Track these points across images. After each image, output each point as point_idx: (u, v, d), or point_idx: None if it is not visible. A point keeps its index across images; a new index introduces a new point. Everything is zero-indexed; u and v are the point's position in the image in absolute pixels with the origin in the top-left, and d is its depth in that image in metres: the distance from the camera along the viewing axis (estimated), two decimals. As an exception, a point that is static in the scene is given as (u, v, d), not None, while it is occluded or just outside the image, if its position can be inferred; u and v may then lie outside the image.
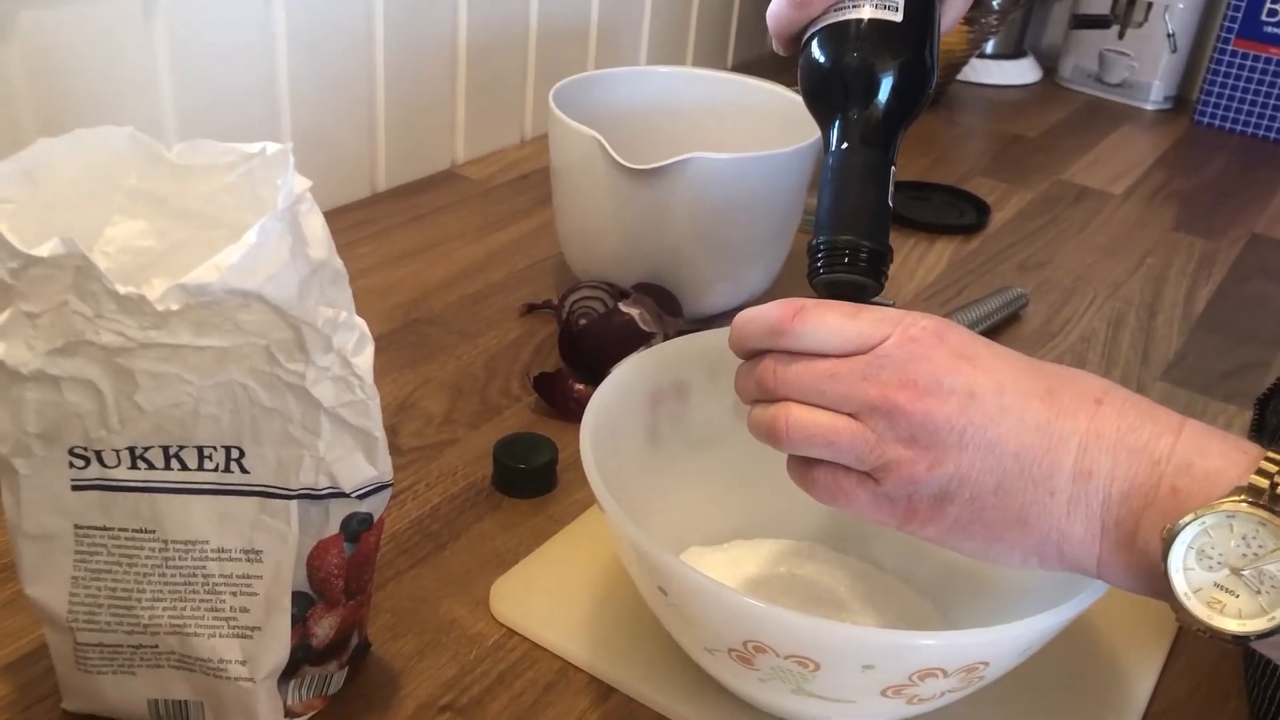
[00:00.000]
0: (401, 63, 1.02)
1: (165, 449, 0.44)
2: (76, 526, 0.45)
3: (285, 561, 0.46)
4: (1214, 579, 0.40)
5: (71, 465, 0.44)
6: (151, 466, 0.44)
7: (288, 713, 0.49)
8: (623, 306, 0.76)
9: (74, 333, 0.41)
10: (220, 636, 0.47)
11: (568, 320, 0.79)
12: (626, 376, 0.58)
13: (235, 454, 0.45)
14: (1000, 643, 0.46)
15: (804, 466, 0.47)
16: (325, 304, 0.43)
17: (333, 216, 0.46)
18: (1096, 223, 1.13)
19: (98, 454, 0.44)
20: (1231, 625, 0.40)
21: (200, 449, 0.44)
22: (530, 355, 0.81)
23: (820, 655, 0.45)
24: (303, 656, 0.48)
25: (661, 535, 0.59)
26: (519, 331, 0.83)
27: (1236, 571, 0.40)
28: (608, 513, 0.49)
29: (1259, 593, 0.40)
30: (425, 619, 0.57)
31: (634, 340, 0.74)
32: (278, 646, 0.47)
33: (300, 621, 0.47)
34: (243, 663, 0.47)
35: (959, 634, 0.45)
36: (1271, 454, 0.40)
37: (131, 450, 0.44)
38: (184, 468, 0.45)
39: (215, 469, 0.45)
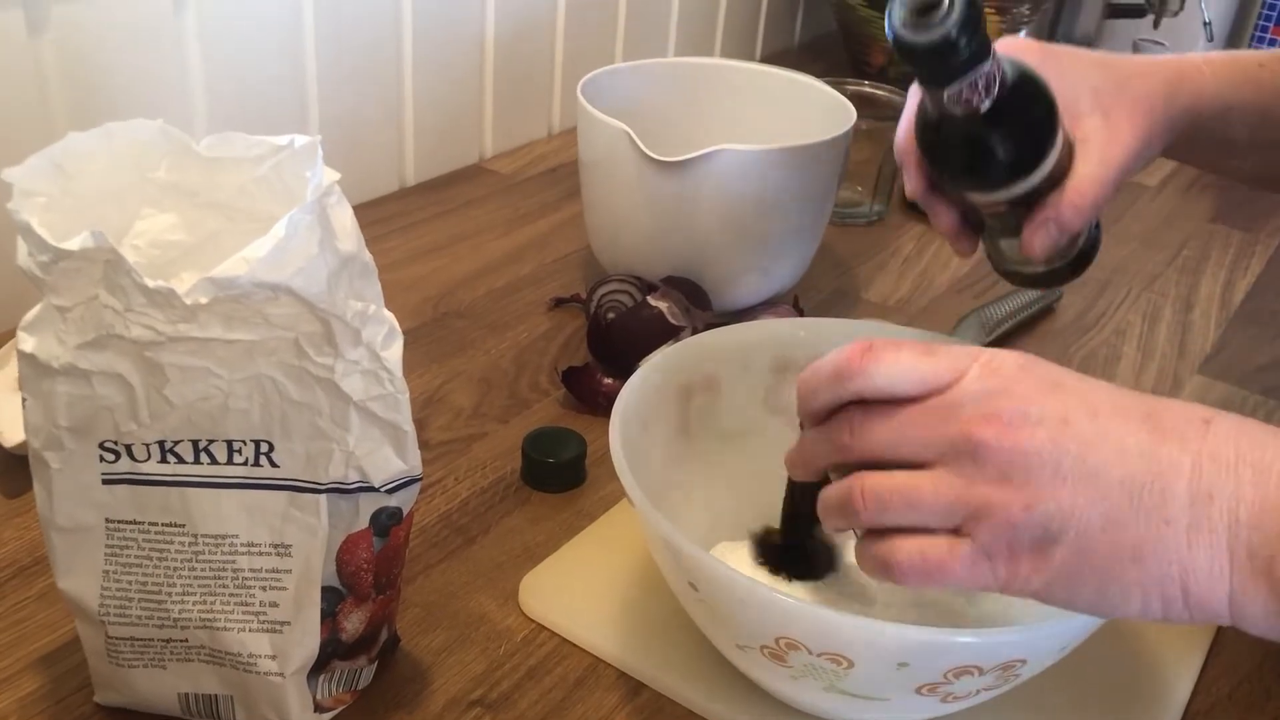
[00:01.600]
0: (430, 56, 1.01)
1: (195, 443, 0.44)
2: (107, 520, 0.45)
3: (315, 556, 0.46)
4: None
5: (102, 459, 0.44)
6: (181, 460, 0.44)
7: (317, 707, 0.49)
8: (651, 300, 0.75)
9: (104, 326, 0.41)
10: (250, 631, 0.47)
11: (596, 314, 0.78)
12: (656, 370, 0.58)
13: (264, 448, 0.44)
14: (1038, 640, 0.45)
15: (884, 550, 0.41)
16: (354, 297, 0.43)
17: (361, 210, 0.46)
18: (1131, 214, 1.12)
19: (128, 448, 0.44)
20: None
21: (229, 443, 0.44)
22: (558, 349, 0.80)
23: (854, 652, 0.44)
24: (332, 651, 0.48)
25: (691, 530, 0.58)
26: (547, 325, 0.83)
27: None
28: (638, 507, 0.48)
29: None
30: (454, 614, 0.57)
31: (663, 334, 0.74)
32: (307, 641, 0.47)
33: (330, 616, 0.47)
34: (272, 657, 0.47)
35: (996, 631, 0.45)
36: None
37: (161, 444, 0.44)
38: (213, 461, 0.45)
39: (245, 463, 0.45)
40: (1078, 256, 0.62)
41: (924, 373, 0.41)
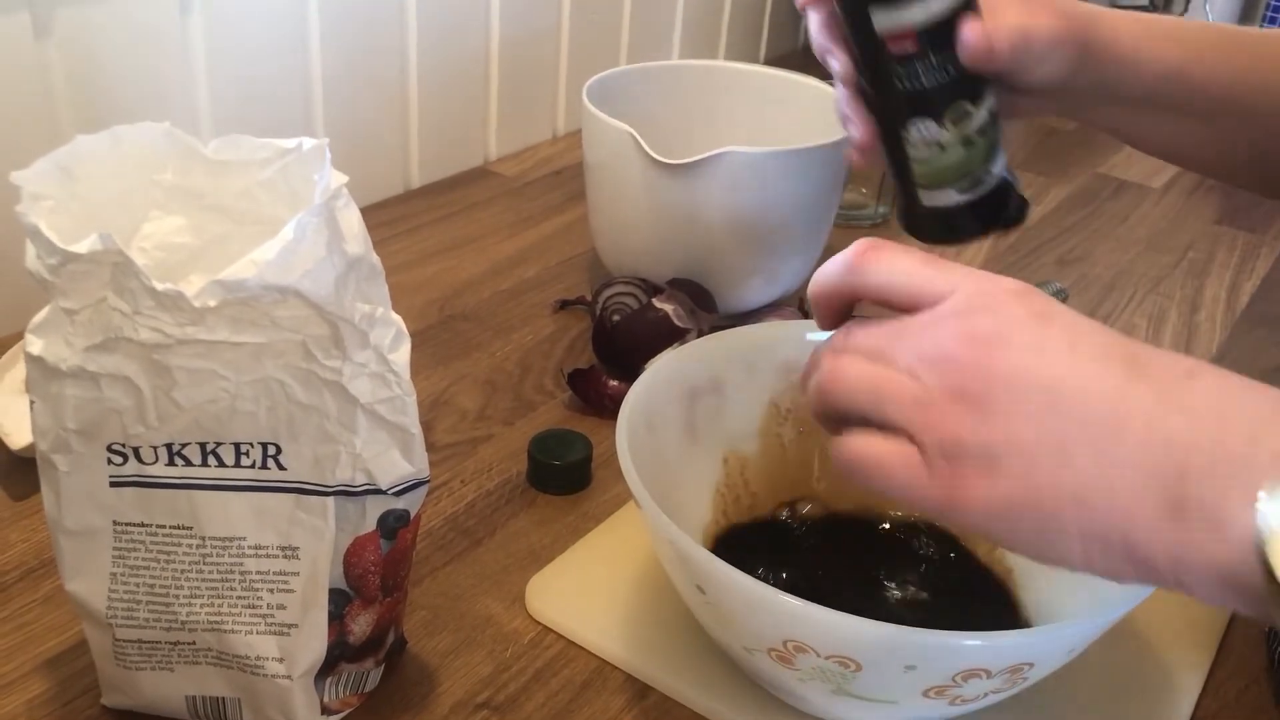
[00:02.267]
0: (434, 59, 1.02)
1: (202, 445, 0.44)
2: (115, 523, 0.45)
3: (322, 558, 0.46)
4: None
5: (110, 462, 0.44)
6: (188, 463, 0.44)
7: (324, 710, 0.49)
8: (656, 302, 0.75)
9: (112, 329, 0.41)
10: (257, 633, 0.47)
11: (601, 316, 0.78)
12: (662, 373, 0.58)
13: (272, 450, 0.44)
14: (1046, 643, 0.45)
15: (839, 442, 0.41)
16: (362, 300, 0.43)
17: (366, 213, 0.46)
18: (1136, 216, 1.12)
19: (135, 450, 0.44)
20: None
21: (237, 445, 0.44)
22: (564, 351, 0.80)
23: (862, 655, 0.44)
24: (339, 653, 0.48)
25: (698, 532, 0.58)
26: (553, 328, 0.83)
27: None
28: (644, 510, 0.48)
29: None
30: (461, 616, 0.57)
31: (668, 336, 0.74)
32: (315, 643, 0.47)
33: (337, 618, 0.47)
34: (280, 660, 0.47)
35: (1004, 634, 0.44)
36: None
37: (169, 447, 0.44)
38: (221, 464, 0.45)
39: (252, 465, 0.45)
40: (992, 194, 0.60)
41: (917, 280, 0.40)
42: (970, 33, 0.55)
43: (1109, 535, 0.36)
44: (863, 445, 0.40)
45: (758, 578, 0.45)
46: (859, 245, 0.42)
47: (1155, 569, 0.35)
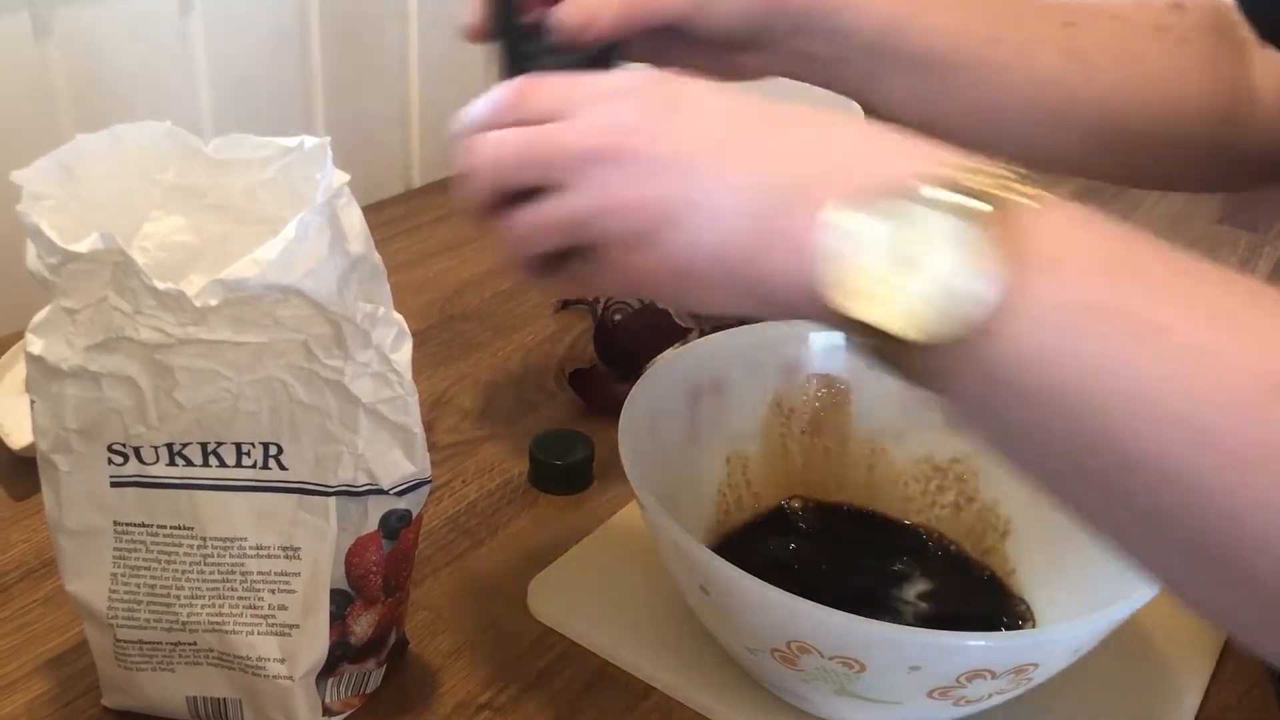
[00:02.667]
0: (436, 57, 1.01)
1: (203, 445, 0.44)
2: (116, 523, 0.45)
3: (324, 558, 0.46)
4: (870, 263, 0.32)
5: (110, 462, 0.44)
6: (189, 463, 0.44)
7: (326, 711, 0.49)
8: (658, 302, 0.75)
9: (113, 329, 0.41)
10: (258, 634, 0.46)
11: (603, 316, 0.78)
12: (664, 372, 0.58)
13: (273, 450, 0.44)
14: (1050, 644, 0.45)
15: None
16: (364, 299, 0.43)
17: (367, 212, 0.46)
18: (1137, 216, 1.11)
19: (136, 450, 0.44)
20: (876, 314, 0.32)
21: (238, 445, 0.44)
22: (565, 351, 0.80)
23: (866, 656, 0.44)
24: (341, 654, 0.48)
25: (700, 532, 0.58)
26: (554, 327, 0.83)
27: (901, 262, 0.32)
28: (647, 510, 0.48)
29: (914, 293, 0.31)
30: (463, 616, 0.57)
31: (670, 335, 0.73)
32: (316, 644, 0.47)
33: (339, 619, 0.47)
34: (281, 660, 0.47)
35: (1008, 635, 0.44)
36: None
37: (170, 447, 0.44)
38: (222, 464, 0.44)
39: (253, 466, 0.45)
40: None
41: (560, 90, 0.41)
42: (566, 13, 0.55)
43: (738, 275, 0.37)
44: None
45: (760, 578, 0.45)
46: (517, 83, 0.42)
47: (779, 302, 0.36)
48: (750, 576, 0.45)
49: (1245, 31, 0.61)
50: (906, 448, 0.62)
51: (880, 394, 0.62)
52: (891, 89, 0.58)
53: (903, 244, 0.32)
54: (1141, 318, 0.30)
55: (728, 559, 0.46)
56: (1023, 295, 0.31)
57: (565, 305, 0.85)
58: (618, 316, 0.77)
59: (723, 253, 0.37)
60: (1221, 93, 0.60)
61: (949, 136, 0.35)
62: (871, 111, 0.61)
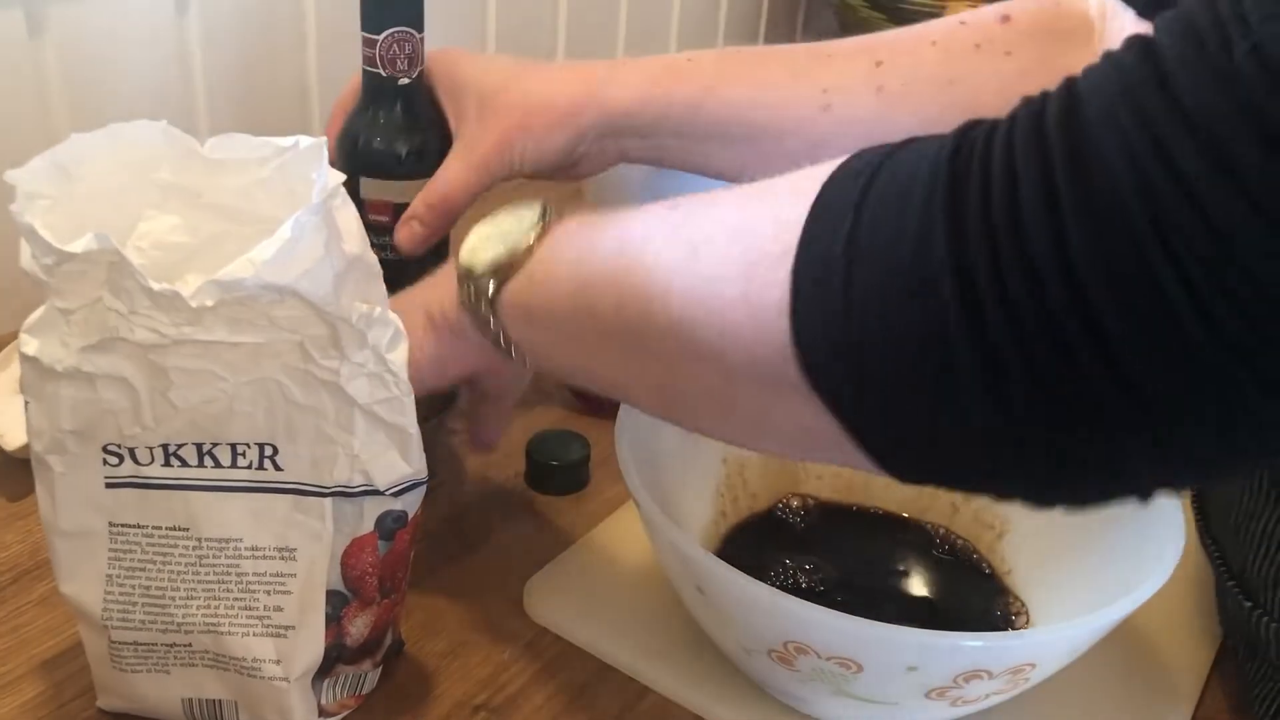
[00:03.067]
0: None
1: (199, 446, 0.44)
2: (111, 524, 0.45)
3: (319, 560, 0.46)
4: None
5: (105, 463, 0.44)
6: (185, 464, 0.44)
7: (322, 712, 0.49)
8: (655, 301, 0.75)
9: (108, 329, 0.41)
10: (254, 635, 0.46)
11: (600, 315, 0.78)
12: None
13: (269, 451, 0.44)
14: (1047, 645, 0.45)
15: None
16: (359, 299, 0.42)
17: (364, 212, 0.48)
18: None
19: (131, 451, 0.44)
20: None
21: (234, 446, 0.44)
22: (562, 351, 0.80)
23: (863, 656, 0.44)
24: (337, 655, 0.48)
25: (698, 533, 0.58)
26: (550, 327, 0.83)
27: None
28: (643, 510, 0.48)
29: None
30: (459, 617, 0.57)
31: (667, 336, 0.73)
32: (312, 645, 0.47)
33: (334, 620, 0.47)
34: (277, 662, 0.47)
35: (1006, 635, 0.44)
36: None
37: (165, 448, 0.44)
38: (217, 465, 0.44)
39: (249, 466, 0.44)
40: None
41: None
42: (421, 208, 0.65)
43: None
44: None
45: (757, 578, 0.44)
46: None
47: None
48: (746, 577, 0.45)
49: (1078, 20, 0.61)
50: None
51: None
52: (708, 159, 0.63)
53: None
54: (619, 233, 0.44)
55: (725, 559, 0.45)
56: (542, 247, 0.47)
57: (561, 305, 0.85)
58: (614, 316, 0.77)
59: None
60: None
61: None
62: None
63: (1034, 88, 0.61)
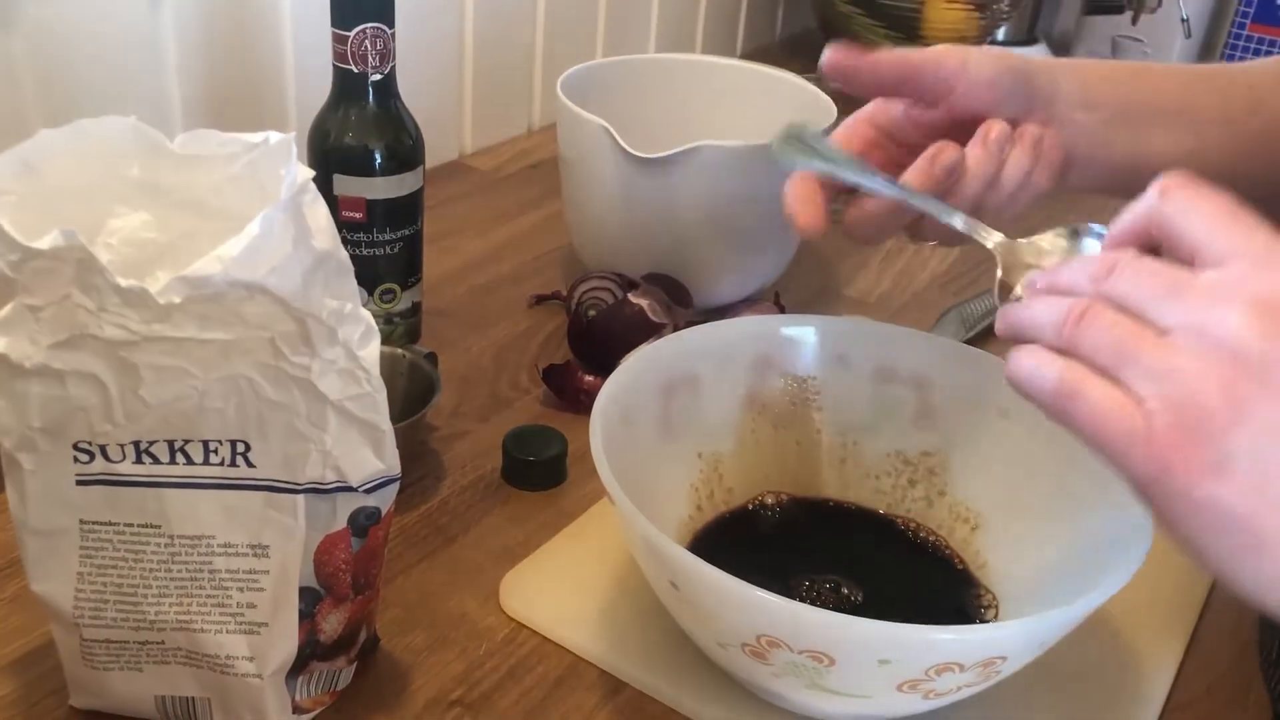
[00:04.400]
0: (408, 52, 1.00)
1: (170, 443, 0.44)
2: (82, 522, 0.45)
3: (292, 556, 0.46)
4: None
5: (76, 460, 0.44)
6: (156, 461, 0.44)
7: (296, 709, 0.49)
8: (632, 297, 0.75)
9: (77, 326, 0.41)
10: (227, 632, 0.46)
11: (577, 311, 0.78)
12: (637, 367, 0.58)
13: (241, 448, 0.44)
14: (1018, 637, 0.46)
15: (1064, 371, 0.37)
16: (330, 296, 0.42)
17: (339, 207, 0.48)
18: (1113, 207, 1.12)
19: (102, 448, 0.44)
20: None
21: (206, 443, 0.44)
22: (539, 347, 0.80)
23: (835, 650, 0.44)
24: (311, 652, 0.48)
25: (673, 527, 0.58)
26: (528, 323, 0.83)
27: None
28: (618, 505, 0.48)
29: None
30: (434, 613, 0.57)
31: (644, 331, 0.73)
32: (285, 642, 0.47)
33: (308, 617, 0.47)
34: (250, 659, 0.47)
35: (977, 628, 0.45)
36: None
37: (136, 445, 0.44)
38: (189, 462, 0.44)
39: (221, 463, 0.44)
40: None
41: (1206, 229, 0.37)
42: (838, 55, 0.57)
43: None
44: (1082, 383, 0.36)
45: (732, 573, 0.45)
46: (1172, 177, 0.39)
47: None
48: (719, 571, 0.45)
49: None
50: (877, 443, 0.63)
51: (851, 390, 0.62)
52: (1150, 142, 0.60)
53: None
54: None
55: (700, 554, 0.46)
56: None
57: (539, 300, 0.85)
58: (592, 312, 0.77)
59: None
60: None
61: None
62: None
63: None
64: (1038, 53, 1.57)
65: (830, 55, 0.56)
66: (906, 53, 0.56)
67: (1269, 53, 1.40)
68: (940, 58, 0.56)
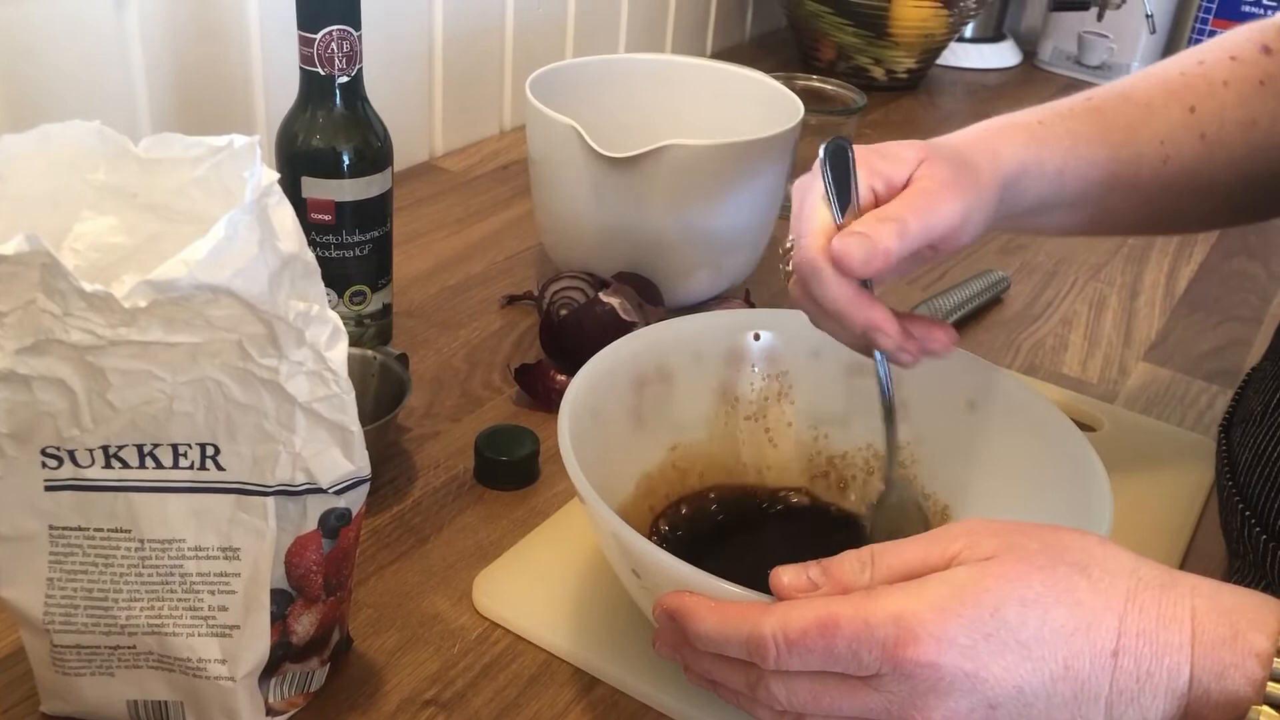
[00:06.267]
0: (378, 53, 1.01)
1: (139, 447, 0.44)
2: (51, 527, 0.45)
3: (263, 558, 0.46)
4: None
5: (44, 465, 0.44)
6: (126, 465, 0.44)
7: (269, 711, 0.49)
8: (603, 296, 0.76)
9: (43, 331, 0.41)
10: (199, 635, 0.46)
11: (548, 311, 0.78)
12: (606, 361, 0.58)
13: (210, 451, 0.44)
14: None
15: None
16: (297, 298, 0.42)
17: (308, 210, 0.48)
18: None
19: (71, 454, 0.43)
20: None
21: (175, 447, 0.44)
22: (511, 347, 0.80)
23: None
24: (283, 654, 0.48)
25: (645, 520, 0.59)
26: (500, 323, 0.83)
27: None
28: (581, 494, 0.49)
29: None
30: (407, 613, 0.57)
31: (615, 330, 0.74)
32: (257, 644, 0.47)
33: (280, 619, 0.47)
34: (222, 661, 0.47)
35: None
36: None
37: (105, 449, 0.44)
38: (159, 466, 0.44)
39: (191, 466, 0.44)
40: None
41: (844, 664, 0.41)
42: (848, 248, 0.51)
43: None
44: None
45: (702, 565, 0.45)
46: (764, 642, 0.42)
47: None
48: (679, 560, 0.45)
49: None
50: (849, 436, 0.63)
51: (823, 383, 0.63)
52: (1053, 223, 0.63)
53: None
54: None
55: (673, 546, 0.46)
56: None
57: (511, 301, 0.85)
58: (564, 312, 0.77)
59: None
60: None
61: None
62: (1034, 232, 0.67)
63: None
64: (1005, 49, 1.59)
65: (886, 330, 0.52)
66: (922, 233, 0.52)
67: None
68: (946, 230, 0.53)
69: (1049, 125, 0.60)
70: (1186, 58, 0.65)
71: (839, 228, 0.52)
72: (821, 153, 0.53)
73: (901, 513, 0.58)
